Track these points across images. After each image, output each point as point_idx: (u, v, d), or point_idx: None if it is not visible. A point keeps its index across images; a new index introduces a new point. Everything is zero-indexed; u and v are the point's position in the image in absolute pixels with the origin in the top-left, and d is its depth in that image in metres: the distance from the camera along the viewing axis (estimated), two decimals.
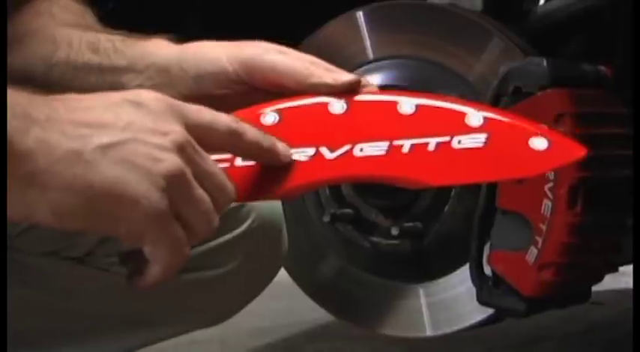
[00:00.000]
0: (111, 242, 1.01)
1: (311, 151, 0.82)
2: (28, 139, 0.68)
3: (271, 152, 0.82)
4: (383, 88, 1.30)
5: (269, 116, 0.84)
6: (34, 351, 1.08)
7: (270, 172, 0.82)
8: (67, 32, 0.99)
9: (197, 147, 0.74)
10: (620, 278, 2.05)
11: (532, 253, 1.18)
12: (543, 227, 1.17)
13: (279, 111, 0.85)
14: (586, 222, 1.16)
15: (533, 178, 1.17)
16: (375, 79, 1.39)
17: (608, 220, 1.20)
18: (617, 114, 1.19)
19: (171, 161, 0.72)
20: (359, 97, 0.85)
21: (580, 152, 0.79)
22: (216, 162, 0.78)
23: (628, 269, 1.64)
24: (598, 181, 1.16)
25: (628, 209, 1.22)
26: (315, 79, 0.87)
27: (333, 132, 0.82)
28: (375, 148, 0.81)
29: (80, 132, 0.70)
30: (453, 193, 1.33)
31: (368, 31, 1.43)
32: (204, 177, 0.74)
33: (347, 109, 0.84)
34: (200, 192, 0.74)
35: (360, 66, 1.42)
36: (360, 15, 1.43)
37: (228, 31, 1.04)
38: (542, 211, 1.17)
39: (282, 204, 1.10)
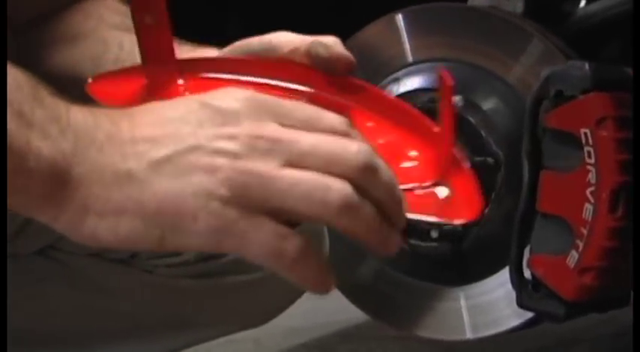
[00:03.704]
0: None
1: None
2: (82, 168, 0.67)
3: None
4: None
5: None
6: (76, 351, 1.09)
7: None
8: (118, 34, 1.00)
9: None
10: None
11: (573, 257, 1.18)
12: (584, 231, 1.16)
13: None
14: (628, 226, 1.16)
15: (574, 182, 1.17)
16: (414, 82, 1.39)
17: None
18: None
19: (228, 169, 0.67)
20: None
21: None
22: None
23: None
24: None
25: None
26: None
27: None
28: None
29: (137, 150, 0.68)
30: (493, 196, 1.33)
31: (407, 34, 1.42)
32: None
33: None
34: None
35: (400, 69, 1.41)
36: (399, 18, 1.43)
37: (268, 30, 1.04)
38: (583, 215, 1.16)
39: None
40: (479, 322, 1.36)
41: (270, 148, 0.68)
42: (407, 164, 0.82)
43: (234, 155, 0.68)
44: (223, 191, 0.67)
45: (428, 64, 1.41)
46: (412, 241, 1.39)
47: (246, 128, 0.68)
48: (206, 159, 0.67)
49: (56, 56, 1.02)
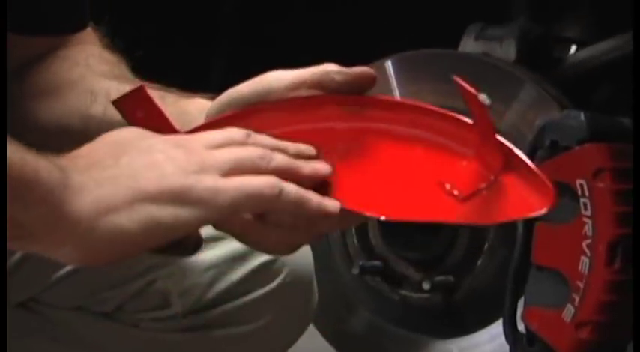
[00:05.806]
0: (141, 297, 1.00)
1: None
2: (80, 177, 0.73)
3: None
4: None
5: None
6: None
7: None
8: (105, 84, 0.97)
9: None
10: None
11: (569, 311, 1.16)
12: (581, 284, 1.15)
13: None
14: (625, 280, 1.15)
15: (570, 235, 1.15)
16: None
17: None
18: None
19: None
20: None
21: None
22: None
23: None
24: (638, 238, 1.14)
25: None
26: None
27: None
28: None
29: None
30: (486, 247, 1.31)
31: (397, 81, 1.42)
32: None
33: None
34: None
35: None
36: (389, 64, 1.42)
37: (253, 74, 1.02)
38: (579, 268, 1.15)
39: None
40: None
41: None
42: (459, 169, 0.79)
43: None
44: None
45: None
46: (403, 292, 1.38)
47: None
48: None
49: (41, 108, 0.99)
